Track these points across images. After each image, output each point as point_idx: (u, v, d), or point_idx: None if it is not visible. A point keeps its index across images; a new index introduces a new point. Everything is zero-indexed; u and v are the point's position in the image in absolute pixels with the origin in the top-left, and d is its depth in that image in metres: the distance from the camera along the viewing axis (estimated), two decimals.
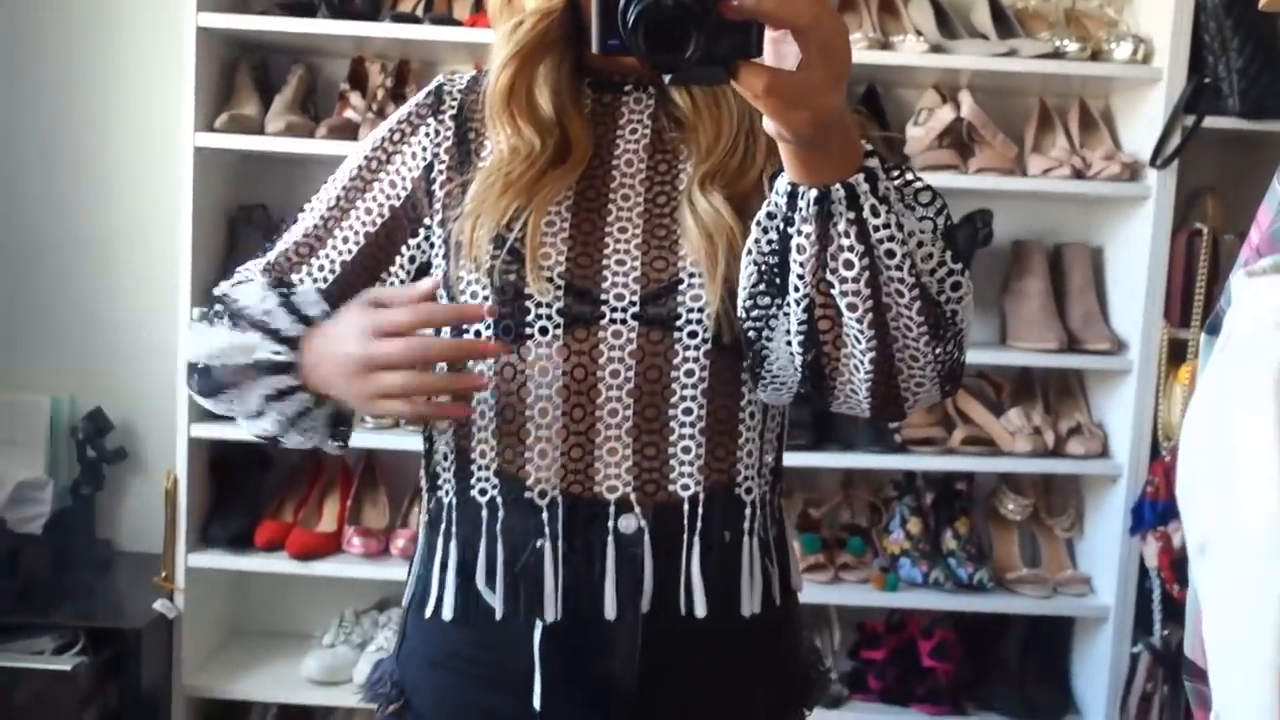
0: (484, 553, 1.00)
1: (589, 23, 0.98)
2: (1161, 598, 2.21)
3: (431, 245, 1.05)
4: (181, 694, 2.23)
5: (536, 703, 0.98)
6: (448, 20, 2.28)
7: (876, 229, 0.81)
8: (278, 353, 0.99)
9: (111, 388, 2.44)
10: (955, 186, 2.27)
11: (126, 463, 2.43)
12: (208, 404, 1.05)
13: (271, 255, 1.08)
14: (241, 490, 2.33)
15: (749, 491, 1.02)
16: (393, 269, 1.07)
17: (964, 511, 2.45)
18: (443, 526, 1.04)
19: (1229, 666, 0.60)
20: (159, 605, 2.17)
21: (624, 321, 0.99)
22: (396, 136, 1.07)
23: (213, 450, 2.32)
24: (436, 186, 1.04)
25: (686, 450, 0.99)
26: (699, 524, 0.99)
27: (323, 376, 0.99)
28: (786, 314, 0.88)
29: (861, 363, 0.88)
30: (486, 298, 0.99)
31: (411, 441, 2.27)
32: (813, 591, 2.32)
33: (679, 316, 0.99)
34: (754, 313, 0.91)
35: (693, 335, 0.99)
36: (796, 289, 0.85)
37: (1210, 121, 2.17)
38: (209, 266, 2.27)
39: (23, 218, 2.47)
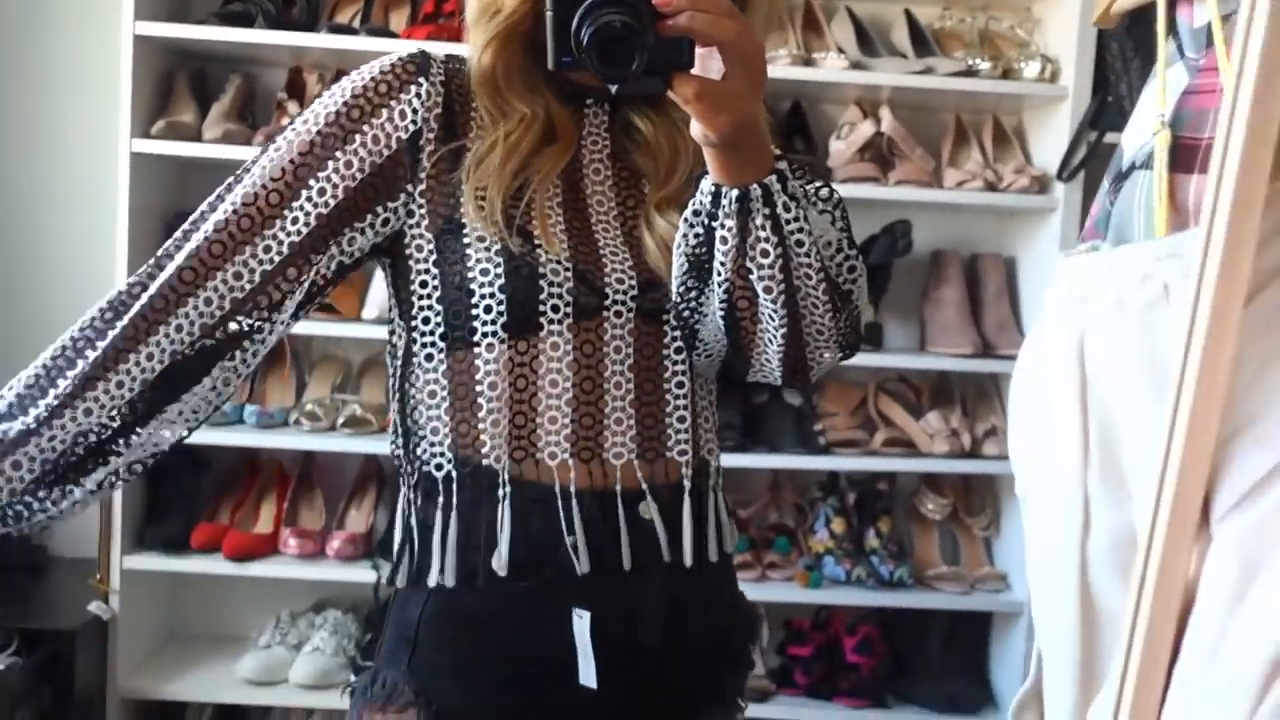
0: (505, 523, 1.03)
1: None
2: None
3: (410, 214, 1.05)
4: (116, 695, 2.24)
5: (590, 680, 1.03)
6: (384, 31, 2.33)
7: (788, 222, 0.94)
8: None
9: None
10: (876, 198, 2.37)
11: None
12: None
13: (210, 226, 1.02)
14: (177, 493, 2.35)
15: (710, 453, 1.13)
16: (361, 226, 1.04)
17: (886, 511, 2.53)
18: (440, 499, 1.06)
19: (1045, 604, 0.67)
20: (94, 607, 2.19)
21: (625, 305, 1.07)
22: (383, 89, 1.04)
23: None
24: (424, 155, 1.04)
25: (682, 420, 1.09)
26: (691, 485, 1.08)
27: None
28: (712, 294, 1.00)
29: (774, 336, 1.00)
30: (499, 275, 1.02)
31: (349, 444, 2.32)
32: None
33: (666, 305, 1.08)
34: (686, 295, 1.03)
35: (672, 326, 1.09)
36: (719, 274, 0.97)
37: (1112, 137, 2.28)
38: None
39: None
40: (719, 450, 1.16)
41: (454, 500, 1.06)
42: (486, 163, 1.04)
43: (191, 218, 1.05)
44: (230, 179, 1.05)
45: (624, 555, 1.05)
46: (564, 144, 1.08)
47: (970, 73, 2.36)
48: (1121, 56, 2.37)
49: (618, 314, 1.07)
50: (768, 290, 0.96)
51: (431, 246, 1.05)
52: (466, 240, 1.03)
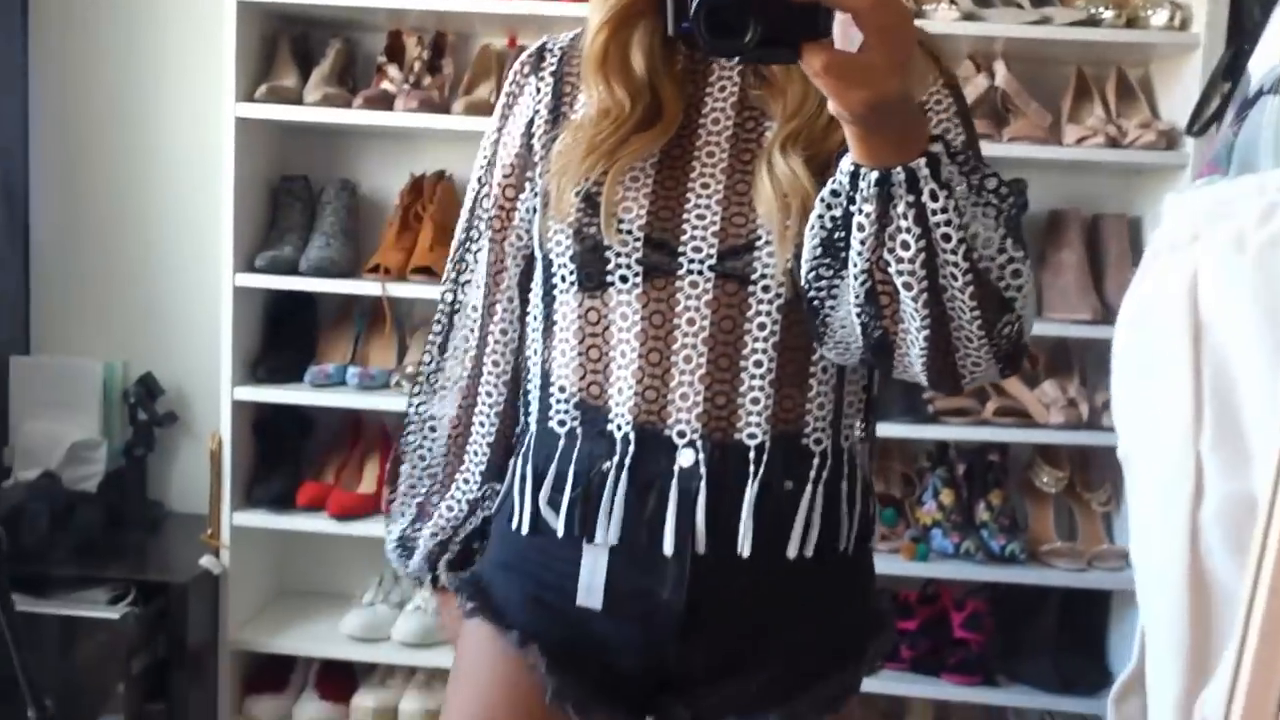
0: (553, 475, 1.07)
1: None
2: None
3: (535, 195, 1.10)
4: (227, 647, 2.31)
5: (587, 599, 1.07)
6: None
7: (934, 213, 0.84)
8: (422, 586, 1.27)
9: (161, 353, 2.52)
10: (989, 155, 2.24)
11: (176, 426, 2.51)
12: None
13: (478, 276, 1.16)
14: (284, 452, 2.40)
15: (818, 443, 1.05)
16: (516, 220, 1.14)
17: (997, 483, 2.44)
18: (523, 449, 1.12)
19: (1150, 581, 0.61)
20: (205, 562, 2.25)
21: (701, 273, 1.02)
22: (509, 102, 1.14)
23: (256, 413, 2.39)
24: (535, 140, 1.10)
25: (755, 400, 1.03)
26: (761, 470, 1.03)
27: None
28: (848, 284, 0.92)
29: (916, 339, 0.92)
30: (568, 246, 1.05)
31: None
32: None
33: (754, 272, 1.02)
34: (817, 282, 0.95)
35: (766, 290, 1.02)
36: (855, 264, 0.89)
37: None
38: (252, 236, 2.34)
39: (77, 189, 2.56)
40: (849, 438, 1.08)
41: (529, 450, 1.11)
42: (568, 153, 1.04)
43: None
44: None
45: (666, 535, 1.03)
46: (664, 127, 1.04)
47: (1092, 22, 2.22)
48: (1259, 2, 2.21)
49: (693, 282, 1.03)
50: (907, 287, 0.88)
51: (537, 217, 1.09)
52: (550, 214, 1.06)
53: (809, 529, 1.05)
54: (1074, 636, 2.43)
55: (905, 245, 0.85)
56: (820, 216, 0.90)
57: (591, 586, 1.06)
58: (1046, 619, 2.44)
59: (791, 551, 1.04)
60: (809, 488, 1.04)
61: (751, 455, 1.02)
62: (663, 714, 1.10)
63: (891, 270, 0.87)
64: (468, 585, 1.16)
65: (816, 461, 1.05)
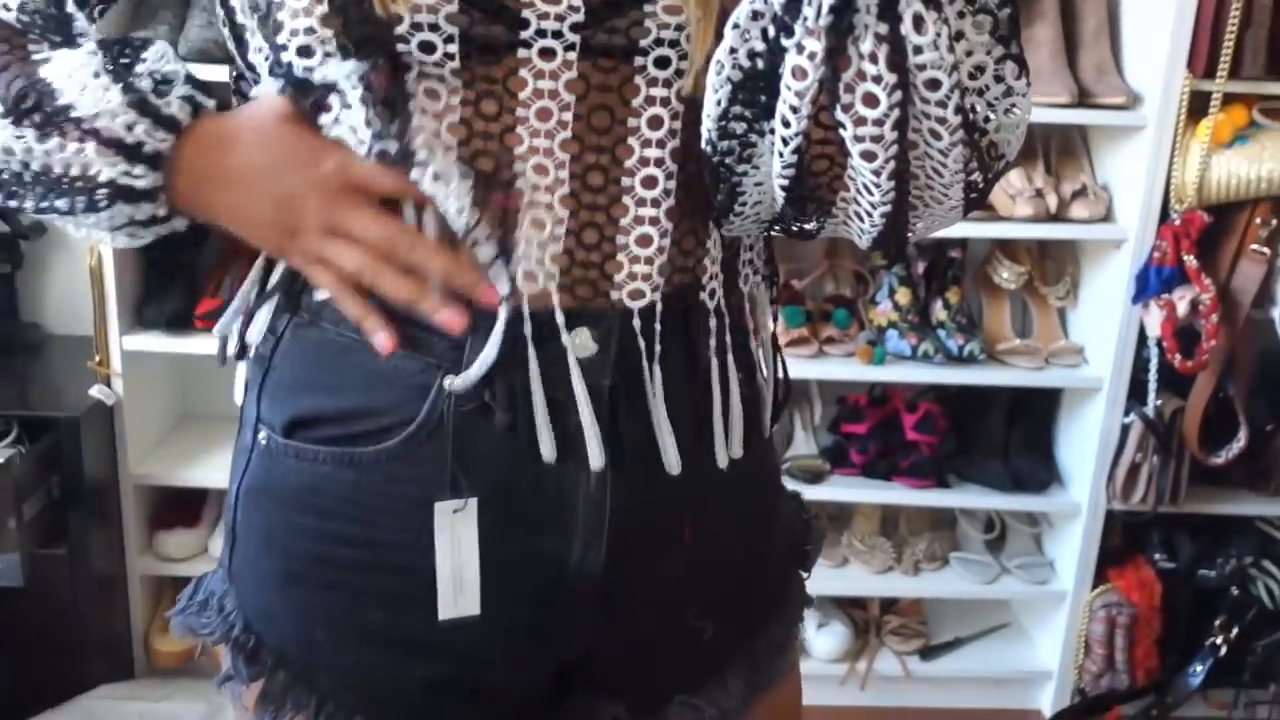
0: (348, 375, 0.74)
1: None
2: (1159, 367, 2.10)
3: None
4: (129, 482, 2.09)
5: (458, 604, 0.71)
6: None
7: (919, 50, 0.57)
8: (139, 176, 0.68)
9: None
10: None
11: (46, 239, 2.20)
12: None
13: None
14: (176, 267, 2.12)
15: (712, 295, 0.76)
16: None
17: (956, 280, 2.31)
18: (274, 346, 0.80)
19: None
20: (96, 391, 2.00)
21: (560, 39, 0.66)
22: None
23: None
24: None
25: (644, 240, 0.71)
26: (658, 347, 0.73)
27: (214, 204, 0.70)
28: (772, 145, 0.65)
29: (869, 214, 0.67)
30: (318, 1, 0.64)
31: None
32: (796, 366, 2.19)
33: (645, 37, 0.67)
34: (723, 143, 0.67)
35: (663, 65, 0.68)
36: (787, 123, 0.62)
37: None
38: (116, 15, 1.98)
39: None
40: (755, 285, 0.81)
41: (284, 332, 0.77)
42: None
43: None
44: None
45: (543, 440, 0.70)
46: None
47: None
48: None
49: (545, 52, 0.67)
50: (868, 156, 0.61)
51: None
52: None
53: (730, 418, 0.77)
54: (1024, 435, 2.38)
55: (870, 99, 0.59)
56: (733, 51, 0.62)
57: (461, 578, 0.71)
58: (996, 419, 2.37)
59: (721, 454, 0.77)
60: (715, 359, 0.76)
61: (637, 324, 0.72)
62: (586, 716, 0.80)
63: (846, 133, 0.61)
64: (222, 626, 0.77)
65: (713, 323, 0.76)
